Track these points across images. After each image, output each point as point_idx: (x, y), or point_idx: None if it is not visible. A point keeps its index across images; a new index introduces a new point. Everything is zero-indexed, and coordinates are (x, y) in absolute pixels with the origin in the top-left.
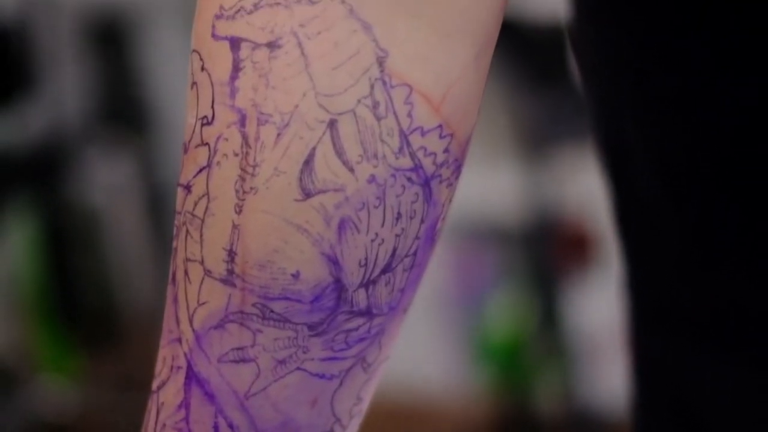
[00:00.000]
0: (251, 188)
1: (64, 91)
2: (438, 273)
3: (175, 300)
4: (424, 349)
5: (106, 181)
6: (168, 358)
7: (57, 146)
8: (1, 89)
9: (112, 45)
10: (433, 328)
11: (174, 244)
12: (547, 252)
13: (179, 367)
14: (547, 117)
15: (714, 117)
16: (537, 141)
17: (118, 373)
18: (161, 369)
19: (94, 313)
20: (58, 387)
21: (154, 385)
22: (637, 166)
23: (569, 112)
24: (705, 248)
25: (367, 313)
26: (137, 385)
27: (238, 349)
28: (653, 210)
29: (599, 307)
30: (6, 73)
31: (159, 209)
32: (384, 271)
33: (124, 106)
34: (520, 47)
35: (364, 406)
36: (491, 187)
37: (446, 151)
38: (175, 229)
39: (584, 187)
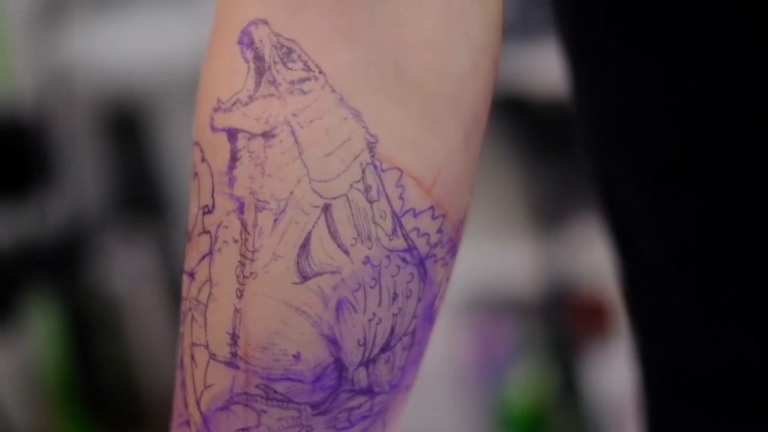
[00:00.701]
0: (251, 273)
1: (82, 180)
2: (457, 346)
3: (183, 384)
4: (445, 423)
5: (126, 268)
6: None
7: (77, 235)
8: (19, 181)
9: (128, 133)
10: (453, 402)
11: (181, 329)
12: (564, 322)
13: None
14: (559, 189)
15: (716, 184)
16: (550, 213)
17: None
18: None
19: (118, 399)
20: None
21: None
22: (641, 234)
23: (580, 183)
24: (710, 313)
25: (369, 391)
26: None
27: (244, 429)
28: (658, 277)
29: (619, 375)
30: (24, 165)
31: (180, 294)
32: (383, 350)
33: (142, 193)
34: (528, 122)
35: None
36: (507, 259)
37: (440, 231)
38: (182, 315)
39: (599, 256)
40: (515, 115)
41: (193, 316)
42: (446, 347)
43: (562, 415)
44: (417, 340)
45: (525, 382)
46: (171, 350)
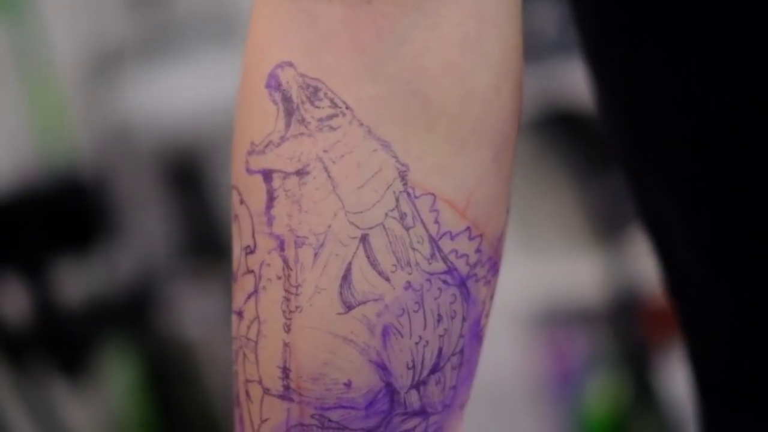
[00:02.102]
0: (296, 307)
1: (147, 231)
2: (532, 361)
3: (241, 420)
4: None
5: (198, 315)
6: None
7: (146, 285)
8: (85, 237)
9: (190, 180)
10: (533, 417)
11: (234, 368)
12: (635, 330)
13: None
14: (617, 198)
15: (744, 188)
16: (610, 223)
17: None
18: None
19: None
20: None
21: None
22: (678, 243)
23: None
24: (750, 318)
25: (422, 412)
26: None
27: None
28: (697, 285)
29: None
30: (88, 221)
31: None
32: (433, 371)
33: (208, 239)
34: (580, 136)
35: None
36: (573, 272)
37: (478, 251)
38: (234, 354)
39: None
40: (567, 131)
41: (244, 354)
42: (522, 363)
43: (640, 423)
44: (466, 358)
45: (602, 392)
46: None
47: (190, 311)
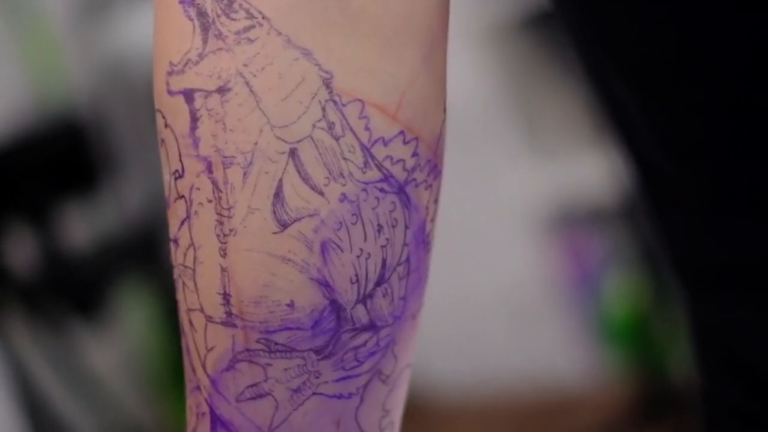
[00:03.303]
0: (230, 230)
1: (152, 166)
2: (551, 264)
3: (188, 350)
4: (550, 344)
5: None
6: (193, 406)
7: (156, 220)
8: (90, 178)
9: None
10: (555, 321)
11: (177, 296)
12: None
13: (203, 413)
14: None
15: (710, 71)
16: None
17: None
18: (190, 418)
19: None
20: None
21: None
22: (641, 134)
23: None
24: (722, 203)
25: (372, 327)
26: None
27: (253, 386)
28: (665, 176)
29: None
30: (91, 161)
31: None
32: (378, 283)
33: None
34: None
35: (395, 417)
36: (585, 172)
37: (415, 155)
38: (175, 283)
39: None
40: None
41: (184, 282)
42: (539, 267)
43: (661, 319)
44: (413, 267)
45: (621, 291)
46: None
47: None
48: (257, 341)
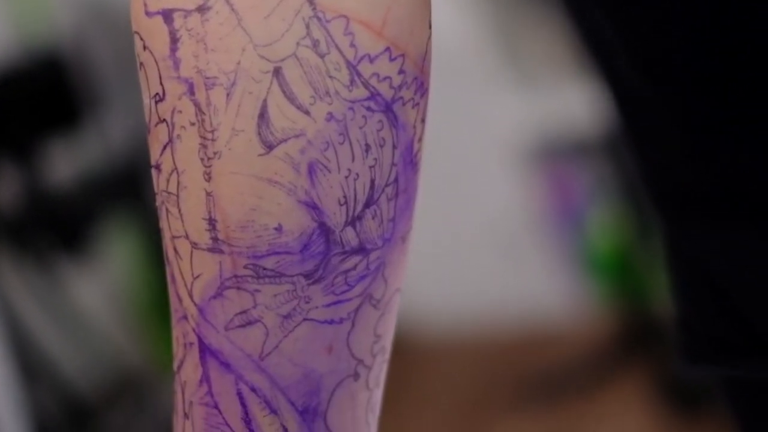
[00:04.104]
0: (214, 153)
1: (135, 101)
2: (534, 196)
3: (173, 279)
4: (533, 276)
5: None
6: (180, 337)
7: (141, 156)
8: (72, 114)
9: None
10: (539, 254)
11: (160, 224)
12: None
13: (191, 343)
14: None
15: None
16: None
17: None
18: (177, 349)
19: None
20: None
21: (174, 365)
22: (619, 60)
23: None
24: (699, 127)
25: (361, 249)
26: None
27: (242, 313)
28: (641, 100)
29: None
30: (74, 97)
31: None
32: (367, 205)
33: None
34: None
35: (386, 342)
36: (570, 105)
37: (401, 72)
38: (158, 210)
39: None
40: None
41: (167, 209)
42: (524, 199)
43: (644, 252)
44: (402, 188)
45: (605, 223)
46: None
47: None
48: (245, 267)
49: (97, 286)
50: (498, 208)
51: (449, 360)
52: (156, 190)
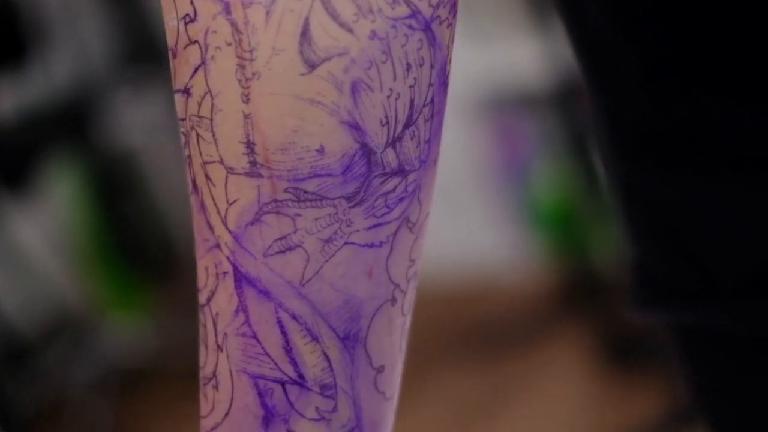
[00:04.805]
0: (253, 74)
1: (84, 40)
2: (480, 148)
3: (203, 207)
4: (477, 229)
5: (141, 122)
6: (211, 267)
7: (86, 95)
8: (20, 49)
9: None
10: (483, 206)
11: (186, 152)
12: (581, 111)
13: (225, 273)
14: None
15: None
16: (550, 5)
17: (185, 302)
18: (206, 280)
19: (151, 249)
20: (129, 328)
21: (203, 298)
22: (588, 3)
23: None
24: (662, 72)
25: (400, 171)
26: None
27: (281, 238)
28: (607, 44)
29: None
30: (22, 32)
31: None
32: (407, 126)
33: (147, 45)
34: None
35: (419, 267)
36: (516, 56)
37: None
38: (182, 137)
39: None
40: None
41: (198, 134)
42: (469, 150)
43: (588, 208)
44: (437, 109)
45: (550, 177)
46: None
47: (130, 120)
48: (285, 191)
49: (38, 225)
50: (443, 159)
51: None
52: (182, 116)
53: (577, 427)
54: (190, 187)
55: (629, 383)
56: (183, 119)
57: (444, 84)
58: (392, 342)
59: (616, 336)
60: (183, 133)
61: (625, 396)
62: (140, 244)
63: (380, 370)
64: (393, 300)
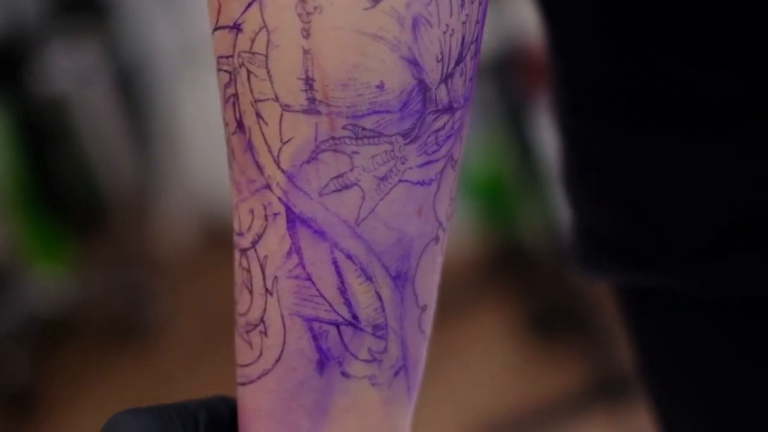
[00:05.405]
0: (314, 8)
1: None
2: None
3: (250, 147)
4: None
5: (72, 70)
6: (258, 209)
7: (18, 40)
8: None
9: None
10: None
11: (230, 91)
12: (515, 82)
13: (276, 214)
14: None
15: None
16: None
17: (109, 255)
18: (251, 222)
19: (78, 200)
20: (52, 278)
21: (245, 242)
22: None
23: None
24: (618, 33)
25: (450, 108)
26: (130, 263)
27: (338, 177)
28: (567, 4)
29: None
30: None
31: (128, 92)
32: (458, 62)
33: None
34: None
35: (455, 207)
36: None
37: None
38: (224, 75)
39: None
40: None
41: (249, 71)
42: None
43: (520, 177)
44: (478, 47)
45: (482, 148)
46: (123, 146)
47: (63, 66)
48: (343, 128)
49: None
50: None
51: None
52: (226, 53)
53: (501, 396)
54: (233, 127)
55: (552, 353)
56: (227, 57)
57: (484, 23)
58: (434, 281)
59: (540, 307)
60: (226, 70)
61: (548, 365)
62: (67, 194)
63: (424, 309)
64: (437, 238)
